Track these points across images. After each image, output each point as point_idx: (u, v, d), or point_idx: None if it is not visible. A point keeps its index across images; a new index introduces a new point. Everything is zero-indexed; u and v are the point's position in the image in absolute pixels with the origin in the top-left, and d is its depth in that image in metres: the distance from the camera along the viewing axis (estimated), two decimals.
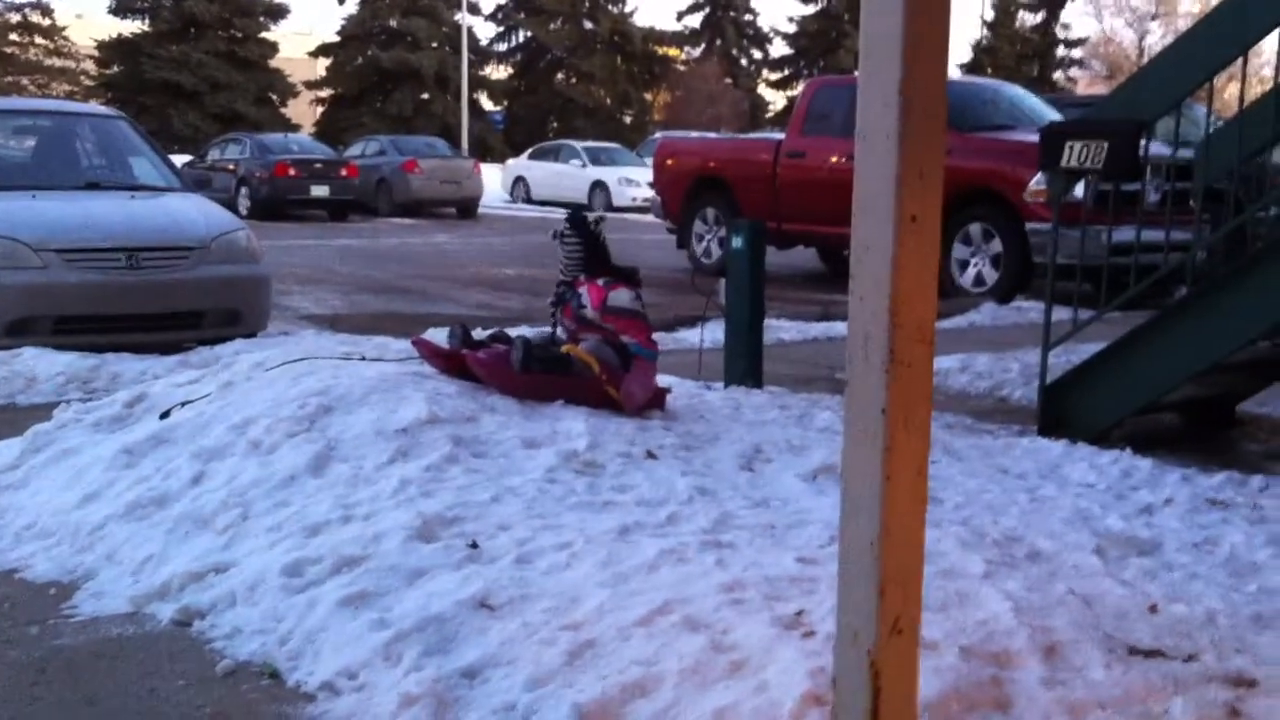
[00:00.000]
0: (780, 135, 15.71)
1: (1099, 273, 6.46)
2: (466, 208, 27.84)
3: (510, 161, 37.26)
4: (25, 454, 5.16)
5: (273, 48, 55.13)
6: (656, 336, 6.09)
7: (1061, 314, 6.38)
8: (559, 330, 5.84)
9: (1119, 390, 6.01)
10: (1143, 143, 6.02)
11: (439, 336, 6.41)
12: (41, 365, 7.26)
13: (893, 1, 2.22)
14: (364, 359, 5.97)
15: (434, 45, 56.14)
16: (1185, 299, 5.99)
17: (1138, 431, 6.16)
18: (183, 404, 5.35)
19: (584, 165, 31.86)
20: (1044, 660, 2.99)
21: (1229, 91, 28.90)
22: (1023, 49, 62.85)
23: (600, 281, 5.72)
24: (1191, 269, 6.44)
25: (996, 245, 12.03)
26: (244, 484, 4.45)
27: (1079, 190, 8.66)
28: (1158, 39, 63.62)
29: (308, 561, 3.80)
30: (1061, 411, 6.15)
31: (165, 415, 5.25)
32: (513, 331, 6.03)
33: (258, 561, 3.86)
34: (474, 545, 3.86)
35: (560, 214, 7.12)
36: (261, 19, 54.70)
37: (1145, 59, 56.53)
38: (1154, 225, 7.10)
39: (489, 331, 6.04)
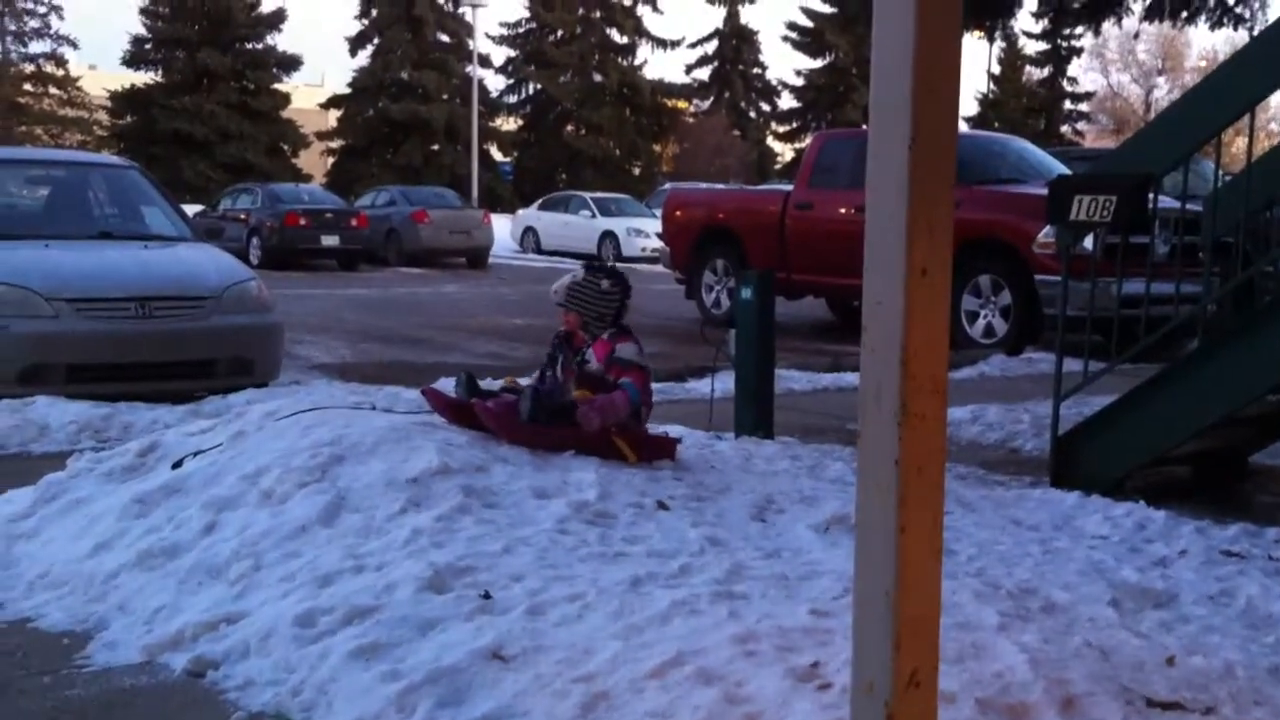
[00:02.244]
0: (788, 187, 15.77)
1: (1109, 325, 6.47)
2: (476, 258, 27.94)
3: (520, 212, 37.42)
4: (38, 503, 5.17)
5: (285, 99, 55.61)
6: (666, 386, 6.11)
7: (1072, 365, 6.38)
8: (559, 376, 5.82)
9: (1131, 442, 6.00)
10: (1150, 195, 6.04)
11: (448, 386, 6.43)
12: (54, 414, 7.28)
13: (903, 57, 2.24)
14: (375, 409, 5.98)
15: (444, 97, 56.56)
16: (1196, 352, 6.00)
17: (1151, 483, 6.16)
18: (195, 454, 5.36)
19: (593, 216, 31.98)
20: (1061, 713, 2.98)
21: (1237, 145, 29.02)
22: (1029, 102, 63.19)
23: (605, 336, 5.73)
24: (1202, 321, 6.45)
25: (1006, 297, 12.05)
26: (256, 534, 4.44)
27: (1088, 243, 8.69)
28: (1164, 94, 64.06)
29: (320, 612, 3.79)
30: (1074, 463, 6.14)
31: (177, 465, 5.26)
32: (523, 381, 6.04)
33: (270, 612, 3.86)
34: (486, 596, 3.85)
35: (570, 264, 7.12)
36: (274, 70, 55.20)
37: (1152, 113, 56.83)
38: (1163, 278, 7.12)
39: (499, 382, 6.04)
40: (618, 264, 6.81)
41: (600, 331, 5.74)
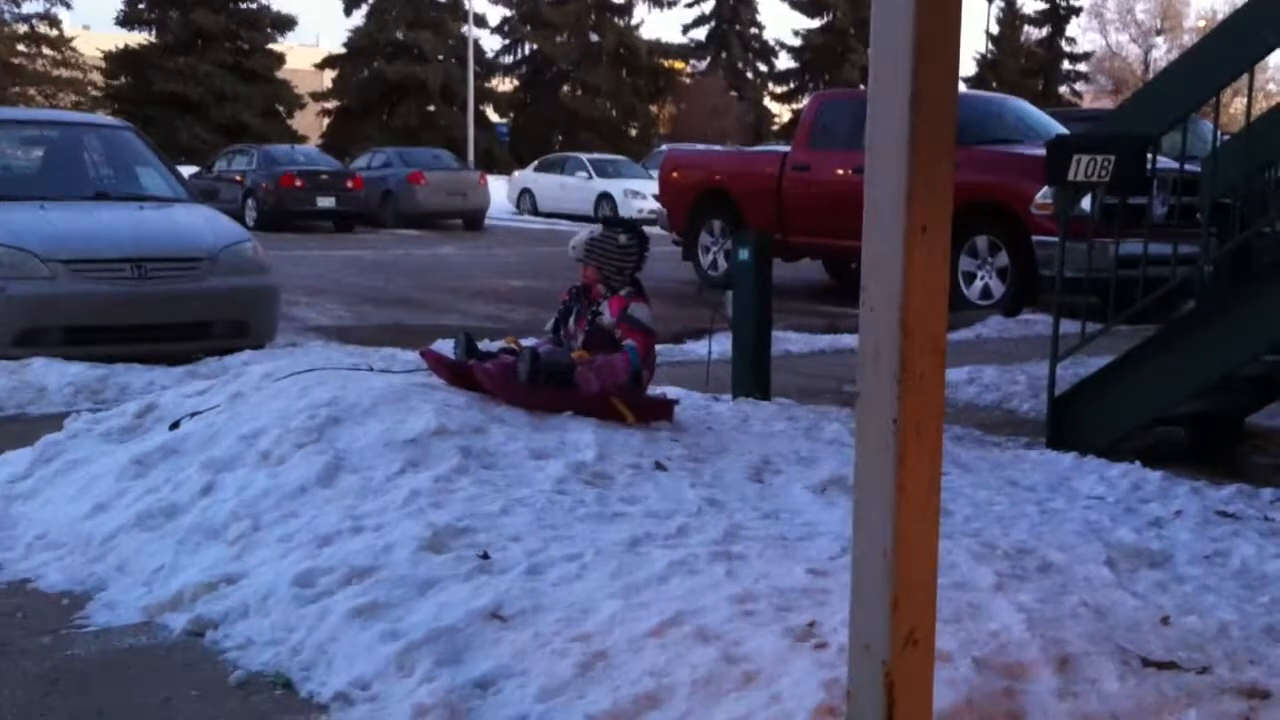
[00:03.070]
0: (785, 148, 15.73)
1: (1106, 286, 6.47)
2: (472, 219, 27.87)
3: (516, 173, 37.31)
4: (36, 464, 5.17)
5: (279, 60, 55.20)
6: (664, 348, 6.13)
7: (1069, 327, 6.38)
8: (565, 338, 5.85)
9: (1127, 403, 6.01)
10: (1149, 156, 6.03)
11: (446, 348, 6.42)
12: (51, 376, 7.27)
13: (903, 15, 2.23)
14: (372, 370, 5.99)
15: (440, 58, 56.22)
16: (1193, 313, 6.00)
17: (1147, 444, 6.17)
18: (192, 415, 5.36)
19: (590, 177, 31.88)
20: (1057, 672, 2.99)
21: (1235, 106, 28.92)
22: (1028, 63, 62.94)
23: (623, 293, 5.77)
24: (1200, 283, 6.45)
25: (1003, 258, 12.03)
26: (254, 495, 4.45)
27: (1085, 204, 8.67)
28: (1163, 54, 63.78)
29: (319, 572, 3.80)
30: (1070, 424, 6.15)
31: (175, 426, 5.26)
32: (526, 341, 6.05)
33: (269, 572, 3.87)
34: (485, 556, 3.86)
35: (567, 225, 7.11)
36: (269, 30, 54.82)
37: (1150, 74, 56.60)
38: (1161, 239, 7.11)
39: (498, 343, 6.04)
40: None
41: (618, 287, 5.80)
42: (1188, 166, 6.90)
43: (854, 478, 2.39)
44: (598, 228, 5.93)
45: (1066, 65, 64.71)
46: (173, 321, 8.30)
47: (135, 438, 5.33)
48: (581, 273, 5.90)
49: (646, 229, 6.10)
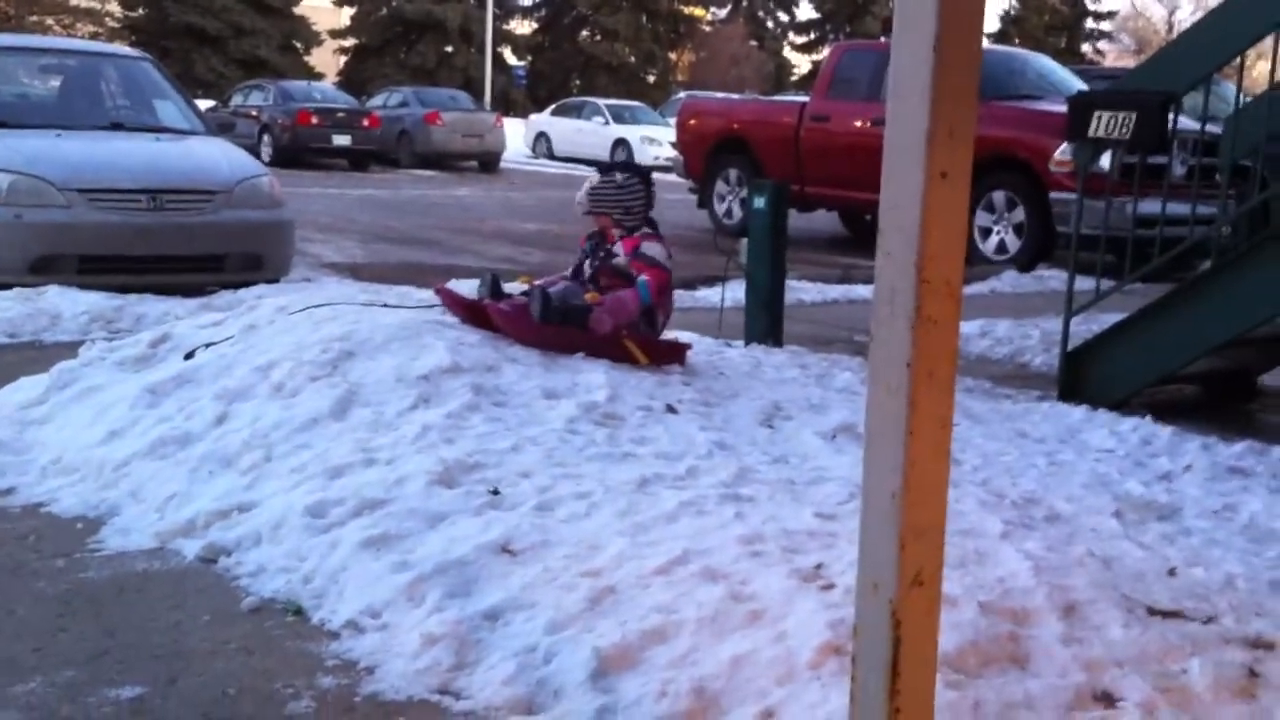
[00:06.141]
0: (805, 98, 15.64)
1: (1122, 244, 6.45)
2: (488, 162, 27.81)
3: (533, 117, 37.18)
4: (50, 390, 5.20)
5: None
6: (678, 294, 6.14)
7: (1084, 283, 6.37)
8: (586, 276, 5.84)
9: (1140, 359, 6.01)
10: (1170, 115, 5.99)
11: (462, 287, 6.43)
12: (66, 304, 7.31)
13: None
14: (386, 306, 6.00)
15: None
16: (1208, 272, 5.98)
17: (1158, 401, 6.17)
18: (206, 345, 5.38)
19: (606, 123, 31.76)
20: (1062, 618, 3.01)
21: (1258, 70, 28.66)
22: (1051, 20, 62.33)
23: (637, 234, 5.78)
24: (1216, 243, 6.42)
25: (1020, 213, 11.99)
26: (266, 426, 4.47)
27: (1104, 161, 8.62)
28: (1187, 14, 63.09)
29: (330, 503, 3.83)
30: (1082, 378, 6.16)
31: (189, 356, 5.28)
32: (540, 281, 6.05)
33: (281, 502, 3.90)
34: (495, 492, 3.89)
35: (583, 170, 7.11)
36: None
37: (1174, 34, 56.04)
38: (1179, 198, 7.08)
39: (515, 284, 6.04)
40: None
41: (633, 227, 5.80)
42: (1208, 127, 6.84)
43: (865, 419, 2.40)
44: (595, 175, 5.93)
45: (1090, 24, 64.06)
46: (187, 253, 8.33)
47: (149, 367, 5.35)
48: (595, 223, 5.91)
49: (660, 174, 6.11)
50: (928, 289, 2.30)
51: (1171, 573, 3.42)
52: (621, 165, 5.99)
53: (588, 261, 5.82)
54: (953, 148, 2.29)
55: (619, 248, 5.73)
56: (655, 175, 6.19)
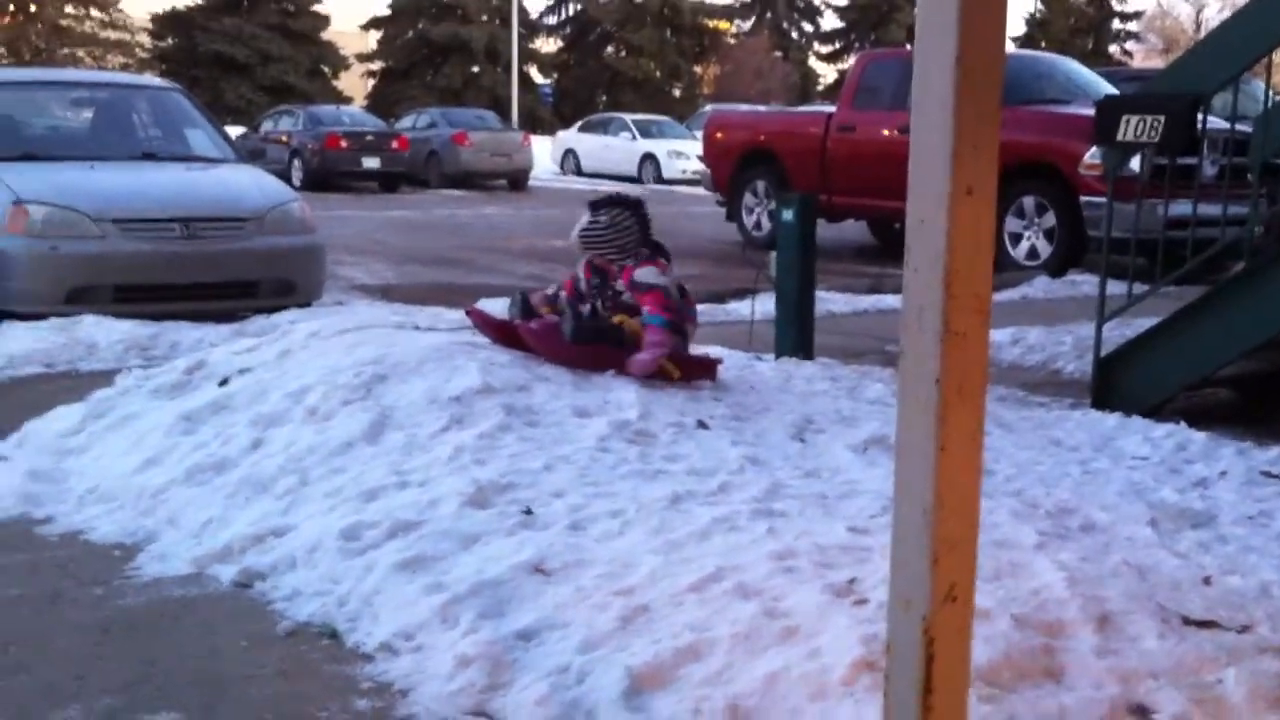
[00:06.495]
0: (831, 109, 15.63)
1: (1154, 247, 6.42)
2: (516, 180, 27.89)
3: (560, 134, 37.27)
4: (87, 419, 5.25)
5: (324, 20, 55.36)
6: (707, 308, 6.10)
7: (1116, 288, 6.34)
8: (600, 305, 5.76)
9: (1173, 364, 5.97)
10: (1200, 116, 5.96)
11: (492, 306, 6.46)
12: (101, 333, 7.38)
13: None
14: (417, 328, 6.03)
15: (484, 18, 56.19)
16: (1241, 274, 5.94)
17: (1192, 406, 6.13)
18: (241, 371, 5.43)
19: (633, 138, 31.82)
20: (1097, 630, 2.99)
21: None
22: (1077, 22, 62.10)
23: (632, 262, 5.62)
24: (1249, 244, 6.38)
25: (1050, 219, 11.93)
26: (301, 450, 4.51)
27: (1134, 164, 8.59)
28: (1214, 13, 62.69)
29: (364, 526, 3.85)
30: (1115, 385, 6.12)
31: (224, 382, 5.33)
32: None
33: (316, 526, 3.92)
34: (528, 512, 3.90)
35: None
36: None
37: (1202, 33, 55.72)
38: (1210, 200, 7.03)
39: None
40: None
41: (631, 260, 5.63)
42: (1238, 127, 6.81)
43: (895, 436, 2.40)
44: (584, 216, 5.73)
45: (1116, 24, 63.79)
46: (220, 280, 8.39)
47: (185, 394, 5.40)
48: (596, 261, 5.75)
49: (688, 188, 6.03)
50: (955, 304, 2.30)
51: (1207, 581, 3.40)
52: (608, 200, 5.74)
53: (599, 301, 5.72)
54: (977, 162, 2.29)
55: (621, 284, 5.63)
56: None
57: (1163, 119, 5.81)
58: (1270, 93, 7.01)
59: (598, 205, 5.74)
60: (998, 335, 7.73)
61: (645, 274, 5.57)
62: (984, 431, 2.40)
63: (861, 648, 2.82)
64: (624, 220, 5.66)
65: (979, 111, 2.26)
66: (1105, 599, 3.16)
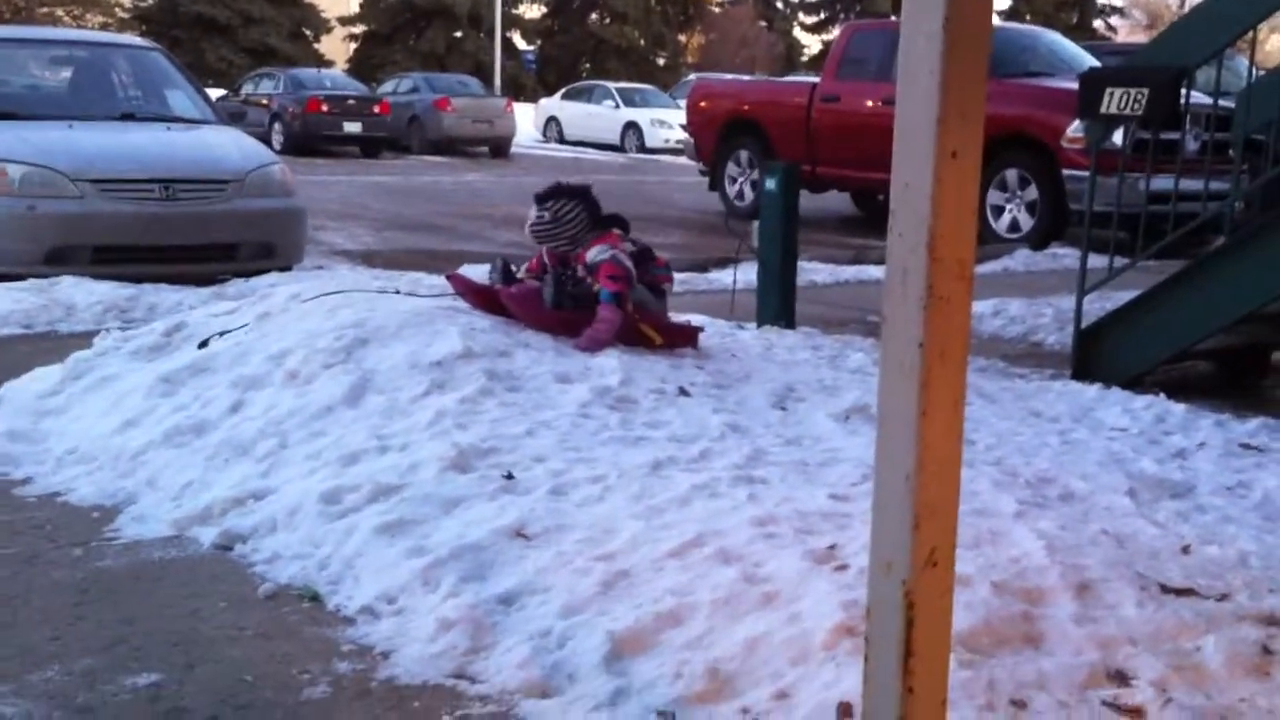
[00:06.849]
0: (815, 79, 15.61)
1: (1135, 221, 6.44)
2: (499, 147, 27.80)
3: (543, 101, 37.16)
4: (66, 380, 5.22)
5: None
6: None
7: (1097, 261, 6.35)
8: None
9: (1153, 337, 6.00)
10: (1183, 91, 5.96)
11: (474, 272, 6.43)
12: (80, 294, 7.34)
13: None
14: (399, 293, 6.00)
15: None
16: (1222, 248, 5.96)
17: (1171, 378, 6.16)
18: (220, 334, 5.40)
19: (617, 106, 31.75)
20: (1076, 597, 3.01)
21: (1271, 44, 28.48)
22: None
23: (584, 247, 5.55)
24: (1229, 219, 6.40)
25: (1032, 192, 11.96)
26: (281, 413, 4.49)
27: (1117, 138, 8.61)
28: None
29: (345, 489, 3.84)
30: (1095, 356, 6.15)
31: (203, 345, 5.30)
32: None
33: (296, 489, 3.91)
34: (509, 476, 3.90)
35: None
36: None
37: (1186, 9, 55.71)
38: (1192, 174, 7.05)
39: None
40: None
41: (586, 240, 5.58)
42: (1221, 102, 6.82)
43: (877, 400, 2.41)
44: (531, 213, 5.67)
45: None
46: (200, 242, 8.35)
47: (164, 356, 5.37)
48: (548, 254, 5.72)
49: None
50: (939, 268, 2.30)
51: (1185, 550, 3.42)
52: (552, 192, 5.64)
53: (569, 286, 5.58)
54: (964, 127, 2.28)
55: (580, 269, 5.58)
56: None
57: (1146, 93, 5.82)
58: (1253, 68, 7.01)
59: (542, 199, 5.67)
60: (979, 306, 7.74)
61: (594, 253, 5.52)
62: (965, 398, 2.41)
63: (842, 613, 2.83)
64: (568, 211, 5.59)
65: (966, 76, 2.26)
66: (1084, 567, 3.18)
